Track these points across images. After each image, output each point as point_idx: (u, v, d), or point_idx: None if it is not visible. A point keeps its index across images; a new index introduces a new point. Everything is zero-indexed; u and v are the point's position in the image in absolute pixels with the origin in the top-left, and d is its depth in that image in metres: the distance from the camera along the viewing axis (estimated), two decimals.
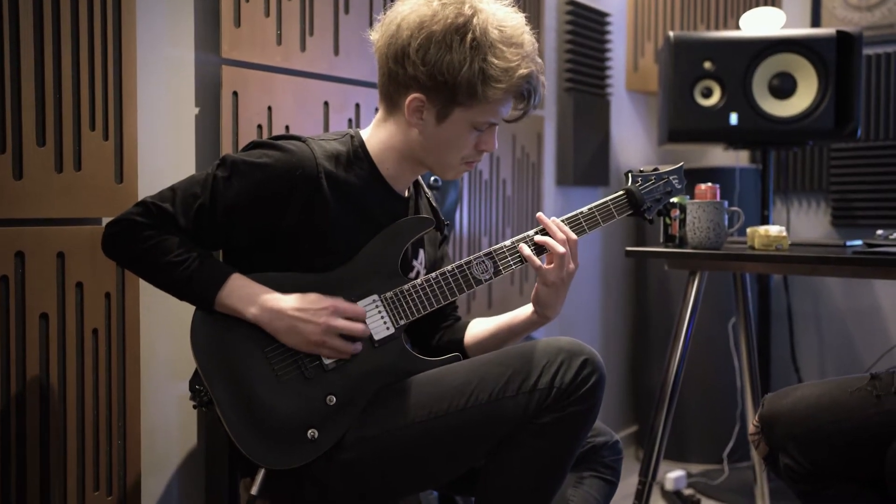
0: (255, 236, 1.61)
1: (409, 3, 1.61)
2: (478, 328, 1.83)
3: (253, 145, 1.62)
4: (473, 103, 1.58)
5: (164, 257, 1.54)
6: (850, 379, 1.82)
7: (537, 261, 1.67)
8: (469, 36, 1.55)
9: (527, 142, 3.24)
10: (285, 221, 1.58)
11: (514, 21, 1.60)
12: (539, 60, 1.63)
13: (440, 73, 1.56)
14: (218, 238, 1.60)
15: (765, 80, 3.12)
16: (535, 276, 3.23)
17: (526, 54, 1.58)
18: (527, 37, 1.61)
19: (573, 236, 1.68)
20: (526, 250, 1.67)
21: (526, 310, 1.78)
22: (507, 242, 1.69)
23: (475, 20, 1.56)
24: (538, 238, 1.68)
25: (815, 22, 3.89)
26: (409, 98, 1.60)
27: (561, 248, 1.66)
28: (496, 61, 1.55)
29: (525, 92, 1.60)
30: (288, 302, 1.57)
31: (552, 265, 1.67)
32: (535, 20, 3.21)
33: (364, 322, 1.60)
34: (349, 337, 1.59)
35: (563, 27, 3.48)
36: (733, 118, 3.09)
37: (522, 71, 1.57)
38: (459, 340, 1.83)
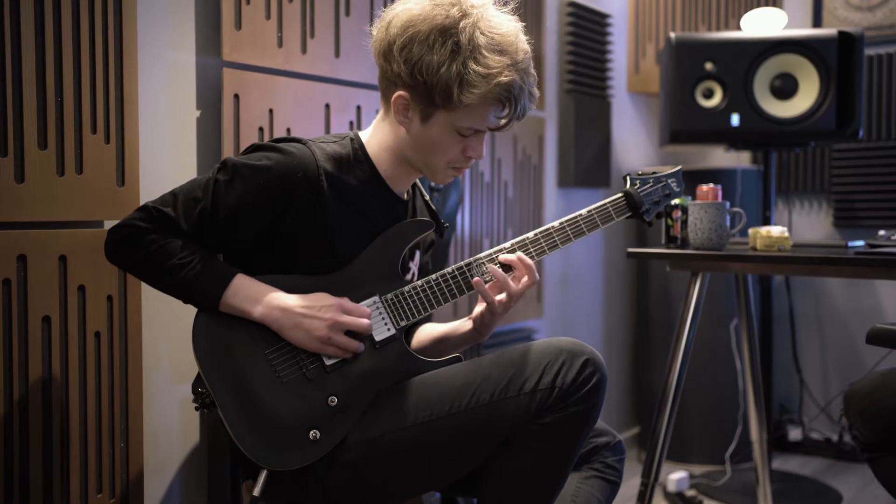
0: (256, 238, 1.61)
1: (406, 2, 1.61)
2: (424, 334, 1.85)
3: (253, 148, 1.63)
4: (451, 107, 1.57)
5: (167, 261, 1.55)
6: None
7: (490, 296, 1.66)
8: (452, 39, 1.54)
9: (528, 143, 3.24)
10: (286, 223, 1.59)
11: (506, 28, 1.58)
12: (532, 72, 1.61)
13: (419, 73, 1.56)
14: (220, 241, 1.61)
15: (766, 80, 3.12)
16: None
17: (511, 63, 1.56)
18: (519, 45, 1.58)
19: (534, 278, 1.67)
20: (481, 284, 1.66)
21: (465, 325, 1.79)
22: (507, 244, 1.70)
23: (462, 23, 1.55)
24: (505, 257, 1.67)
25: (817, 22, 3.90)
26: (395, 95, 1.60)
27: (514, 286, 1.66)
28: (476, 67, 1.54)
29: (504, 100, 1.57)
30: (294, 300, 1.58)
31: (503, 299, 1.67)
32: (535, 22, 3.21)
33: (368, 318, 1.61)
34: (353, 336, 1.60)
35: (564, 28, 3.48)
36: (735, 119, 3.09)
37: (502, 79, 1.54)
38: (408, 343, 1.84)
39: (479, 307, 1.73)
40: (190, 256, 1.56)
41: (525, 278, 1.67)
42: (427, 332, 1.85)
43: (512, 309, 1.71)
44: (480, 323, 1.75)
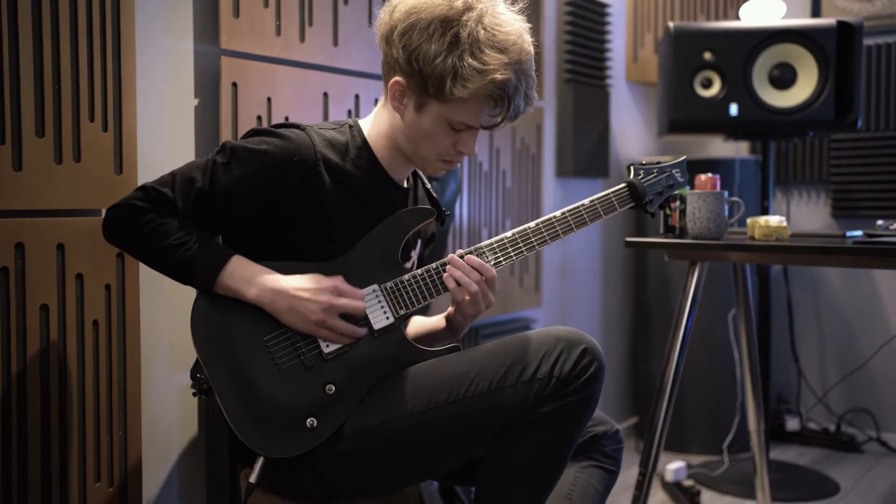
0: (253, 221, 1.61)
1: None
2: (412, 327, 1.86)
3: (253, 132, 1.63)
4: (444, 99, 1.56)
5: (164, 240, 1.55)
6: None
7: (459, 294, 1.65)
8: (453, 31, 1.54)
9: (526, 133, 3.24)
10: (283, 208, 1.59)
11: (510, 27, 1.57)
12: (532, 75, 1.59)
13: (416, 61, 1.56)
14: (216, 223, 1.61)
15: (765, 70, 3.11)
16: (534, 267, 3.24)
17: (509, 62, 1.54)
18: (522, 46, 1.57)
19: (489, 273, 1.65)
20: (451, 283, 1.64)
21: (440, 323, 1.80)
22: (509, 234, 1.69)
23: (466, 16, 1.54)
24: (455, 274, 1.64)
25: (816, 12, 3.89)
26: (392, 81, 1.60)
27: (474, 287, 1.64)
28: (472, 61, 1.53)
29: (497, 98, 1.56)
30: (289, 282, 1.58)
31: (468, 299, 1.66)
32: (534, 11, 3.20)
33: (362, 301, 1.61)
34: (350, 320, 1.60)
35: (562, 18, 3.47)
36: (733, 109, 3.08)
37: (497, 76, 1.53)
38: None
39: (451, 308, 1.74)
40: (187, 237, 1.56)
41: (477, 277, 1.64)
42: (415, 325, 1.86)
43: (482, 313, 1.70)
44: (451, 324, 1.77)
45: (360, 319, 1.62)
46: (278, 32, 2.16)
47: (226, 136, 2.05)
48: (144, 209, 1.56)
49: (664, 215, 2.36)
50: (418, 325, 1.86)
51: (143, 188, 1.58)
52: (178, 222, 1.57)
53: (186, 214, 1.57)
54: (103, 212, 1.82)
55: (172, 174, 1.59)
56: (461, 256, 1.66)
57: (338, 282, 1.60)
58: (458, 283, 1.64)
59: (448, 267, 1.65)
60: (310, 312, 1.56)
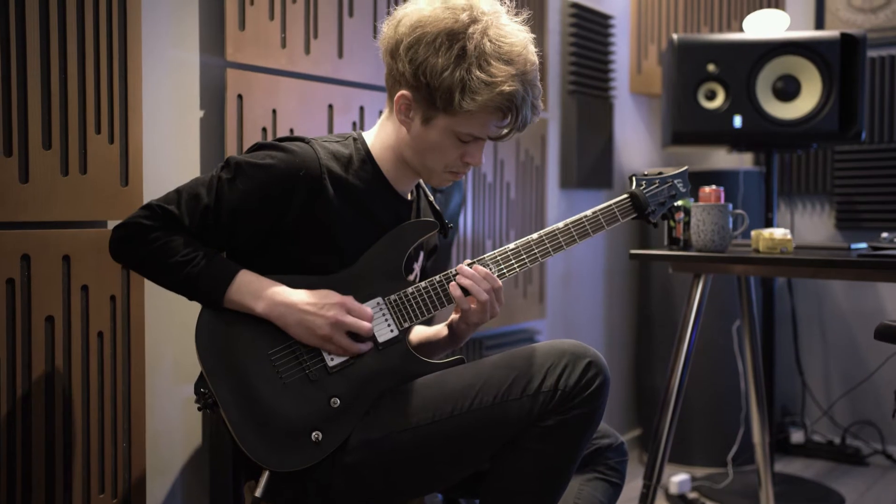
0: (259, 237, 1.61)
1: (418, 1, 1.61)
2: (413, 335, 1.86)
3: (257, 146, 1.63)
4: (452, 111, 1.57)
5: (171, 257, 1.55)
6: None
7: (466, 303, 1.66)
8: (459, 44, 1.54)
9: (531, 144, 3.24)
10: (288, 221, 1.59)
11: (515, 38, 1.58)
12: (538, 85, 1.60)
13: (423, 75, 1.56)
14: (223, 239, 1.61)
15: (769, 82, 3.12)
16: (538, 278, 3.23)
17: (516, 73, 1.55)
18: (527, 57, 1.58)
19: (497, 284, 1.67)
20: (456, 291, 1.65)
21: (443, 331, 1.80)
22: (512, 245, 1.69)
23: (471, 29, 1.55)
24: (465, 282, 1.65)
25: (819, 24, 3.90)
26: (398, 95, 1.61)
27: (484, 296, 1.65)
28: (479, 73, 1.53)
29: (506, 110, 1.57)
30: (298, 296, 1.58)
31: (475, 308, 1.67)
32: (538, 23, 3.21)
33: (370, 322, 1.61)
34: (356, 338, 1.60)
35: (566, 30, 3.48)
36: (737, 121, 3.09)
37: (505, 88, 1.54)
38: None
39: (455, 315, 1.74)
40: (193, 253, 1.56)
41: (487, 286, 1.66)
42: (416, 333, 1.86)
43: (486, 322, 1.71)
44: (454, 332, 1.77)
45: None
46: (283, 44, 2.17)
47: (231, 147, 2.05)
48: (150, 227, 1.56)
49: (668, 227, 2.36)
50: (419, 333, 1.86)
51: (149, 206, 1.58)
52: (185, 239, 1.57)
53: (192, 231, 1.57)
54: (109, 223, 1.83)
55: (178, 191, 1.59)
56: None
57: (347, 299, 1.60)
58: (468, 292, 1.65)
59: (458, 276, 1.65)
60: (317, 327, 1.56)
